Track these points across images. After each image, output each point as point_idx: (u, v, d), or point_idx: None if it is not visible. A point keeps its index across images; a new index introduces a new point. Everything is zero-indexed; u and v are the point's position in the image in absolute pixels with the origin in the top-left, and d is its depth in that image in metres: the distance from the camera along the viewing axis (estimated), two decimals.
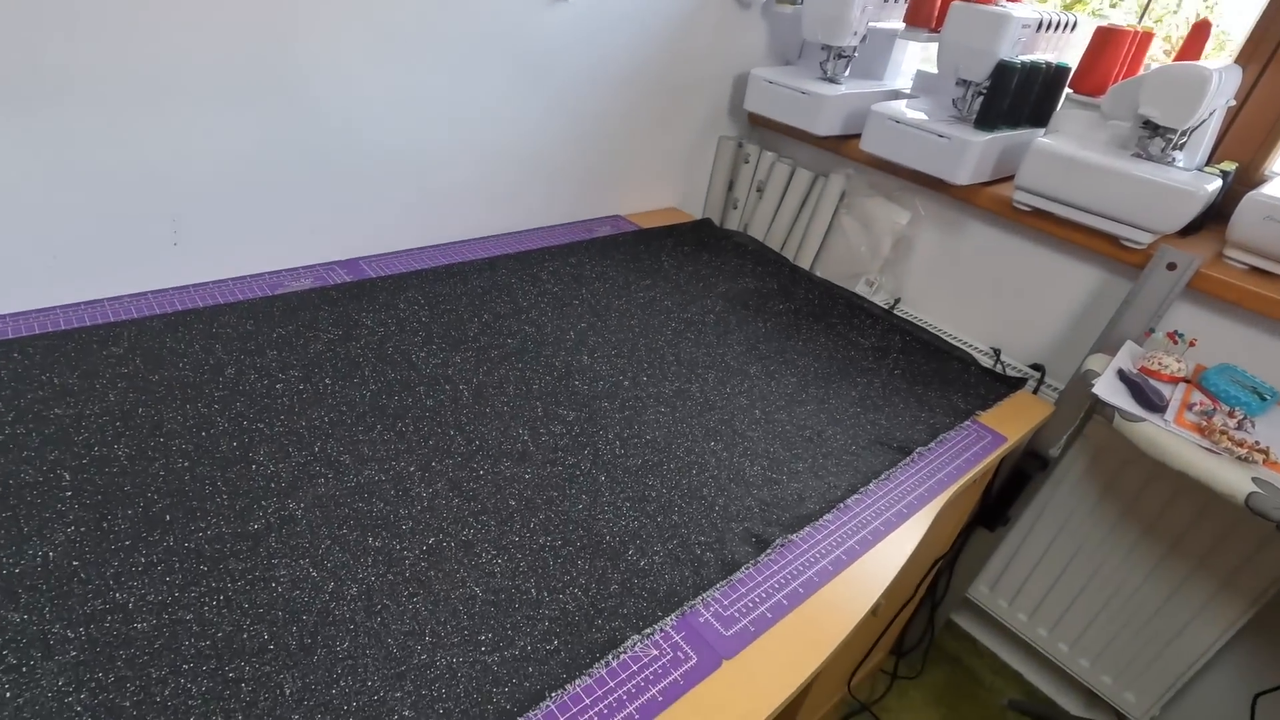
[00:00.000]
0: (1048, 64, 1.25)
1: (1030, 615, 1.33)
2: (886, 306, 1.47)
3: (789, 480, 0.86)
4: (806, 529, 0.79)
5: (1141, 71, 1.23)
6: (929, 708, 1.43)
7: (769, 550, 0.75)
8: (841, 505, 0.84)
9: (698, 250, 1.43)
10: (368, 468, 0.77)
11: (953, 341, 1.36)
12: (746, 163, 1.63)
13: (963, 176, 1.24)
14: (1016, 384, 1.16)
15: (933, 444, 0.97)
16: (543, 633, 0.63)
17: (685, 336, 1.12)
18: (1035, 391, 1.27)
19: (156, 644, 0.57)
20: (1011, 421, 1.08)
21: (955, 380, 1.13)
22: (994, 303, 1.38)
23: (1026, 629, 1.35)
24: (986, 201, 1.30)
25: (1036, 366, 1.32)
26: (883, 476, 0.89)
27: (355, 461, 0.77)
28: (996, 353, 1.35)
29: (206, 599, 0.61)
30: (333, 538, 0.68)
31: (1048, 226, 1.22)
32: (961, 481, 0.93)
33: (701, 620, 0.67)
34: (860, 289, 1.50)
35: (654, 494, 0.80)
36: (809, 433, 0.95)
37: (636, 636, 0.64)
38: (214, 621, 0.59)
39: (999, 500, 1.31)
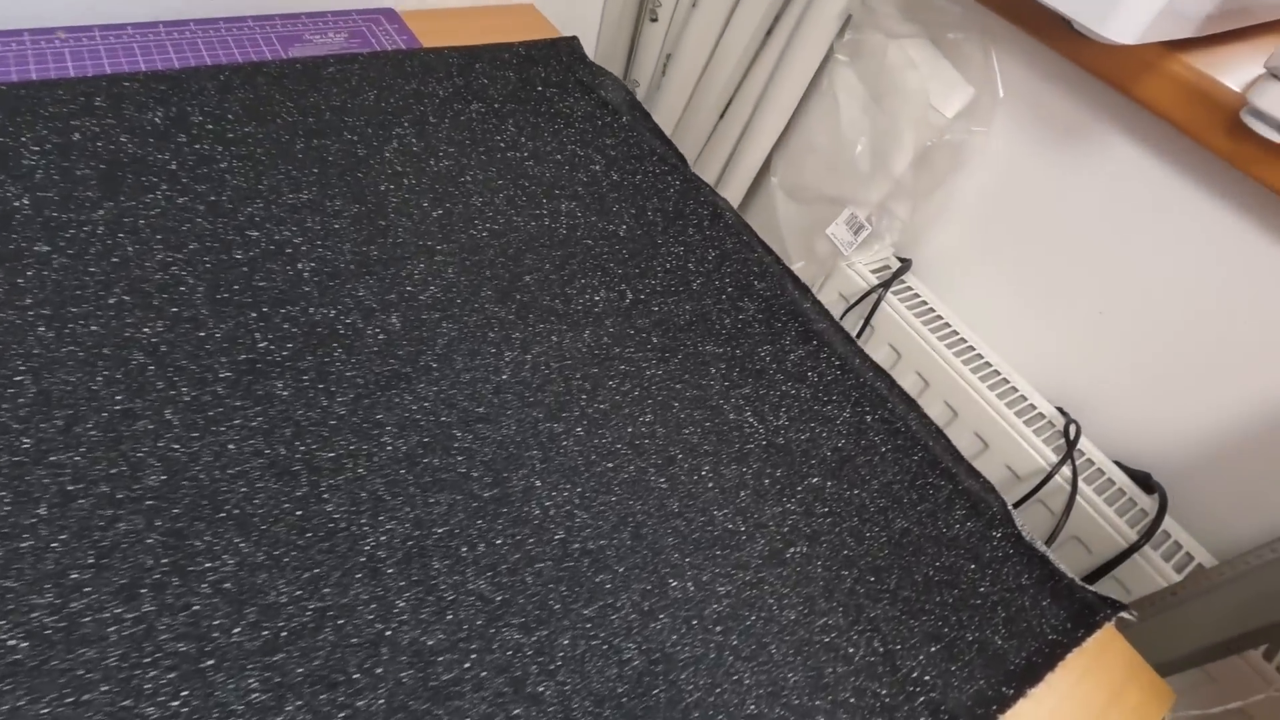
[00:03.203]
0: None
1: None
2: (878, 276, 0.73)
3: None
4: None
5: None
6: None
7: None
8: None
9: (500, 115, 0.67)
10: None
11: (984, 408, 0.65)
12: None
13: (1124, 24, 0.46)
14: (1098, 612, 0.48)
15: None
16: None
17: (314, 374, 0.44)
18: (1142, 544, 0.58)
19: None
20: None
21: (959, 563, 0.46)
22: (1100, 320, 0.64)
23: None
24: (1162, 93, 0.52)
25: (1146, 483, 0.62)
26: None
27: None
28: (1069, 432, 0.64)
29: None
30: None
31: None
32: None
33: None
34: (836, 232, 0.75)
35: None
36: None
37: None
38: None
39: None
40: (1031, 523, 0.65)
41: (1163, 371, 0.61)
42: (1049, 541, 0.62)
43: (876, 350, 0.75)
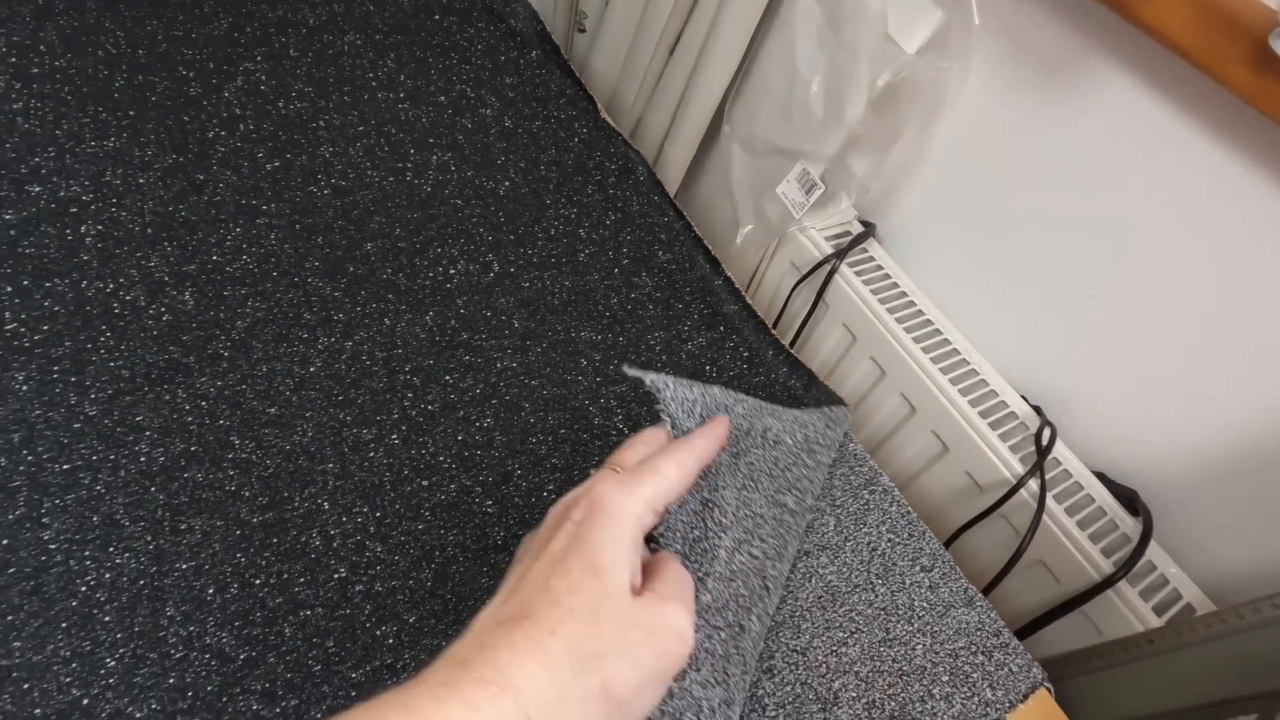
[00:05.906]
0: None
1: None
2: (834, 244, 0.63)
3: None
4: None
5: None
6: None
7: None
8: None
9: (380, 48, 0.57)
10: None
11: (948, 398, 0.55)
12: None
13: None
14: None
15: None
16: None
17: None
18: (1119, 577, 0.48)
19: None
20: None
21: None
22: (1089, 304, 0.53)
23: None
24: (1173, 14, 0.39)
25: (1131, 503, 0.52)
26: None
27: None
28: (1041, 438, 0.53)
29: None
30: None
31: None
32: None
33: None
34: (787, 191, 0.64)
35: None
36: None
37: None
38: None
39: None
40: (993, 542, 0.55)
41: (1161, 369, 0.50)
42: (1009, 567, 0.52)
43: (830, 332, 0.64)
